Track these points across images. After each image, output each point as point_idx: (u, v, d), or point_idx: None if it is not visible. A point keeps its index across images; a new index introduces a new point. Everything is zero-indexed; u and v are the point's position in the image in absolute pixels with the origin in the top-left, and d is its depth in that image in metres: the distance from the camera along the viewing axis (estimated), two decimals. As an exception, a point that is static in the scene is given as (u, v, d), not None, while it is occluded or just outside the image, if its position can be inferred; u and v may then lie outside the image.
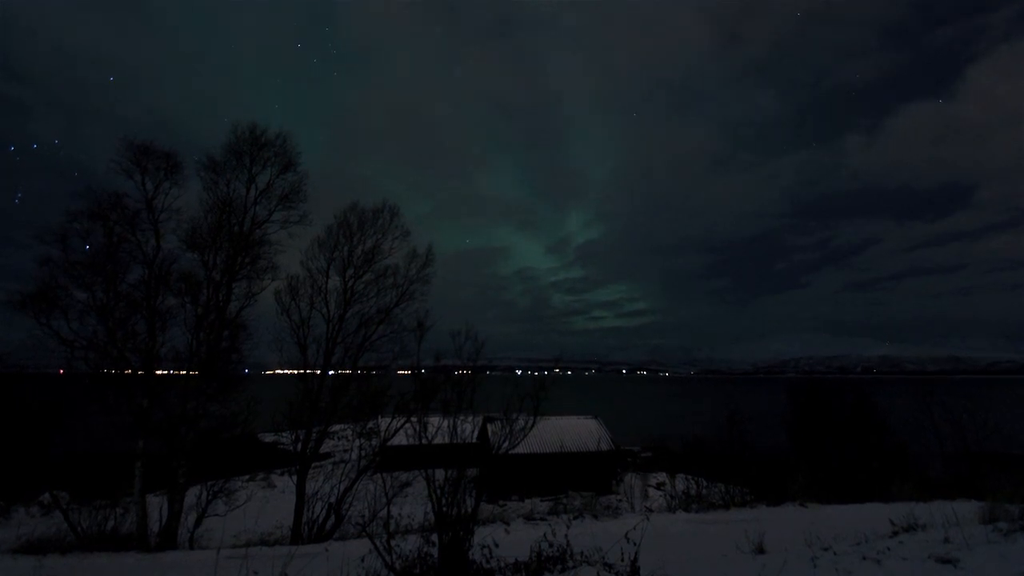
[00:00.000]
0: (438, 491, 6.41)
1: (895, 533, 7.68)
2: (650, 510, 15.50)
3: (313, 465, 19.16)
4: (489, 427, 28.19)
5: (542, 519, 14.25)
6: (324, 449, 32.16)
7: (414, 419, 7.61)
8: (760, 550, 7.21)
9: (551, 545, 6.16)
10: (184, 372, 15.83)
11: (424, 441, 7.23)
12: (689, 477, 21.32)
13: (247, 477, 33.40)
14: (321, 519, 16.54)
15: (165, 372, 15.97)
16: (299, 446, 17.64)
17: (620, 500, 27.76)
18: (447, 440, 7.14)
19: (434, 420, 7.49)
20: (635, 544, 5.76)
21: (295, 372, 18.13)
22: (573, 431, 33.75)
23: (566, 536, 6.39)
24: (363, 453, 18.35)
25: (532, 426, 7.38)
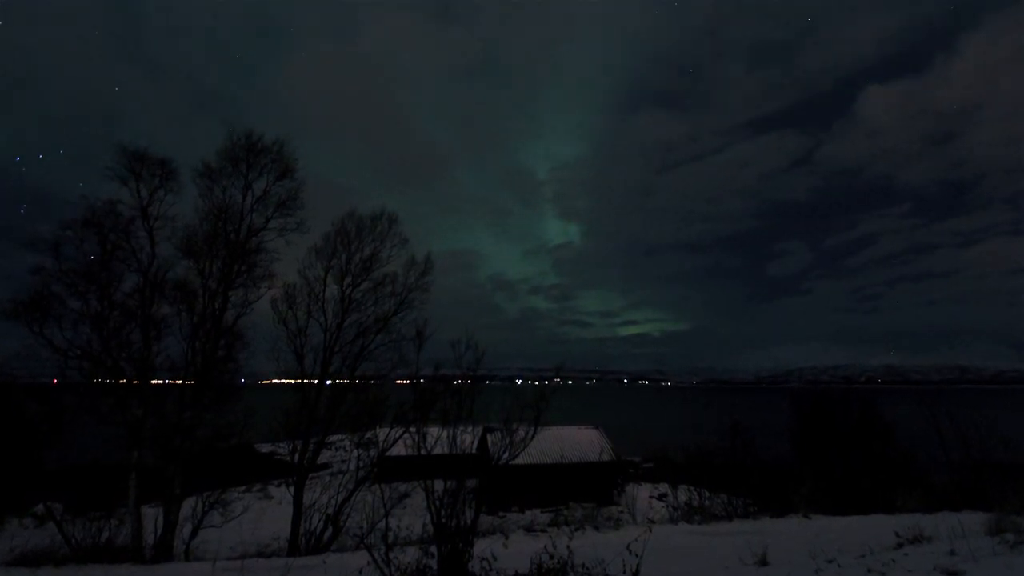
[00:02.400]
0: (437, 502, 6.36)
1: (900, 545, 7.60)
2: (652, 521, 15.31)
3: (310, 476, 18.98)
4: (489, 437, 28.04)
5: (542, 531, 14.07)
6: (321, 460, 31.94)
7: (413, 429, 7.57)
8: (763, 562, 7.11)
9: (552, 557, 6.04)
10: (179, 382, 15.72)
11: (423, 451, 7.19)
12: (691, 488, 21.11)
13: (244, 488, 33.14)
14: (319, 531, 16.36)
15: (160, 382, 15.87)
16: (296, 456, 17.49)
17: (622, 511, 27.47)
18: (446, 450, 7.09)
19: (433, 430, 7.45)
20: (637, 556, 5.67)
21: (292, 382, 18.01)
22: (574, 441, 33.53)
23: (567, 548, 6.28)
24: (361, 464, 18.18)
25: (532, 436, 7.32)
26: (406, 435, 14.63)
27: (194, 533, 15.07)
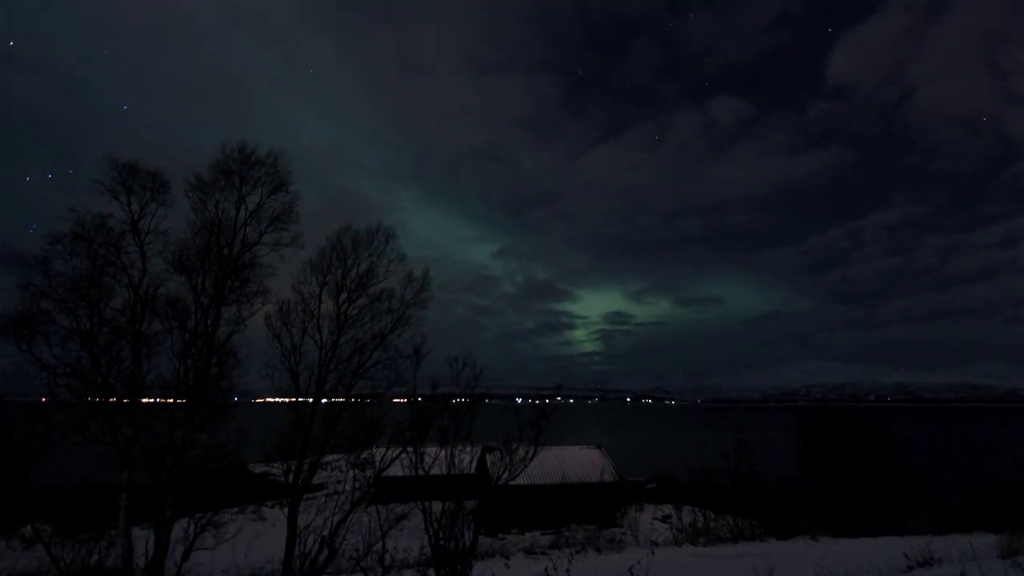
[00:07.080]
0: (435, 524, 6.26)
1: (910, 568, 7.46)
2: (655, 543, 15.02)
3: (305, 497, 18.66)
4: (488, 457, 27.64)
5: (543, 553, 13.78)
6: (317, 480, 31.58)
7: (410, 449, 7.43)
8: (773, 586, 6.88)
9: (552, 581, 5.86)
10: (171, 400, 15.45)
11: (421, 472, 7.06)
12: (696, 509, 20.77)
13: (237, 509, 32.65)
14: (313, 553, 15.94)
15: (151, 400, 15.60)
16: (290, 477, 17.17)
17: (624, 533, 27.05)
18: (444, 471, 6.98)
19: (431, 450, 7.32)
20: (641, 580, 5.47)
21: (286, 400, 17.76)
22: (575, 461, 33.19)
23: (568, 571, 6.11)
24: (357, 484, 17.88)
25: (533, 456, 7.22)
26: (403, 455, 14.35)
27: (186, 556, 14.70)
